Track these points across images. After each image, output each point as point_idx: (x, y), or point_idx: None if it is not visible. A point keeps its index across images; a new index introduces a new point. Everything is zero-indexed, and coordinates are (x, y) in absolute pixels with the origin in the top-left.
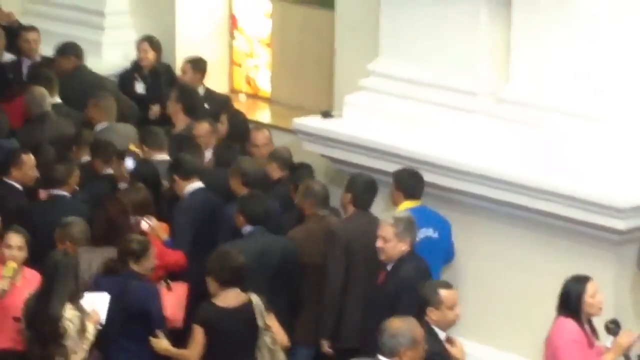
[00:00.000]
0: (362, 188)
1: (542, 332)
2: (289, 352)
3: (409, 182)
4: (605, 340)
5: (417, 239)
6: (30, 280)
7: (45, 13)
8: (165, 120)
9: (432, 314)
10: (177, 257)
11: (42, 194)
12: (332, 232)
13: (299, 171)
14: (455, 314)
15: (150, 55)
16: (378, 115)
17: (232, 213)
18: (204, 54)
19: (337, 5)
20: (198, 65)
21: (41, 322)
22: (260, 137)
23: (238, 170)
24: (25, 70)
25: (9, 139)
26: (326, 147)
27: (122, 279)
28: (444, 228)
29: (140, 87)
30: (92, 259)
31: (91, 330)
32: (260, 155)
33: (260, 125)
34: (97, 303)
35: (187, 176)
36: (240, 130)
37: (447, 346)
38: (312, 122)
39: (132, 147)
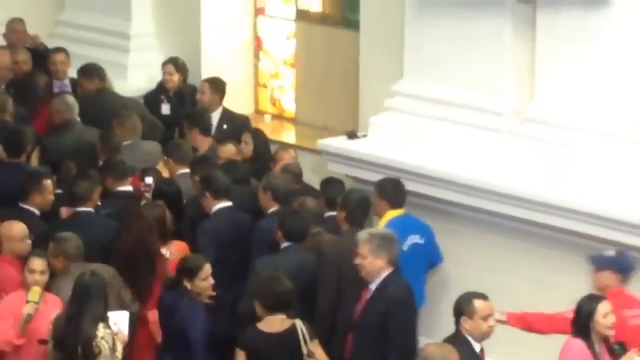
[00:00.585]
0: (356, 205)
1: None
2: None
3: (393, 191)
4: None
5: (406, 247)
6: (51, 305)
7: (71, 36)
8: None
9: (465, 324)
10: None
11: (65, 212)
12: (322, 252)
13: (329, 186)
14: (488, 325)
15: (175, 77)
16: (403, 136)
17: (266, 228)
18: (229, 76)
19: (361, 25)
20: (217, 86)
21: (73, 342)
22: (286, 156)
23: (269, 185)
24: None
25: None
26: (351, 167)
27: (177, 296)
28: (428, 233)
29: (165, 109)
30: None
31: (120, 349)
32: None
33: (285, 146)
34: (120, 321)
35: (218, 195)
36: (261, 150)
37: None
38: (337, 143)
39: (161, 167)
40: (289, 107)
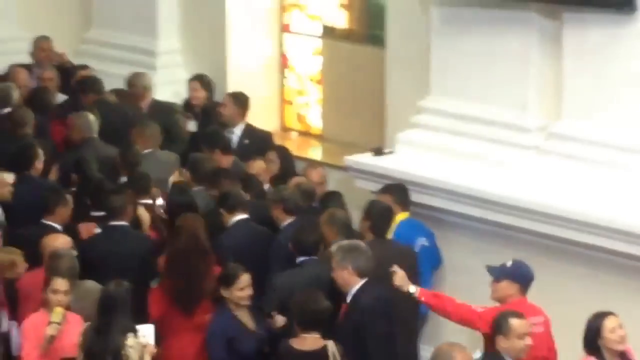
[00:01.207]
0: (380, 215)
1: None
2: None
3: (403, 194)
4: None
5: (417, 249)
6: (73, 324)
7: (98, 53)
8: None
9: (501, 342)
10: None
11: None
12: None
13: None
14: (524, 343)
15: (201, 94)
16: (429, 152)
17: (282, 242)
18: (255, 92)
19: (387, 42)
20: (239, 100)
21: (103, 353)
22: (314, 175)
23: (279, 198)
24: None
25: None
26: (378, 183)
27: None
28: (431, 236)
29: (191, 126)
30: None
31: None
32: None
33: (313, 163)
34: (146, 334)
35: (232, 209)
36: (287, 167)
37: None
38: (364, 159)
39: (176, 177)
40: (316, 123)
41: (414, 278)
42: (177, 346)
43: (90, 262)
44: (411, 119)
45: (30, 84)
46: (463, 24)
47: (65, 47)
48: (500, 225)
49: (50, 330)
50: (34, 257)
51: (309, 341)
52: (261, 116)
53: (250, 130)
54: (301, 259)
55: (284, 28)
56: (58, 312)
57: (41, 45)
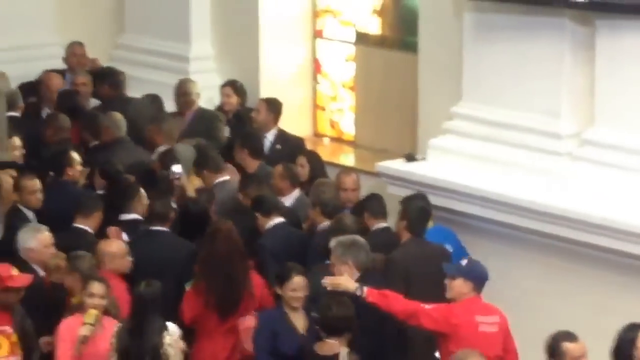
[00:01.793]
0: (416, 214)
1: None
2: None
3: (427, 203)
4: None
5: None
6: (109, 328)
7: (130, 59)
8: None
9: None
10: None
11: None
12: (390, 260)
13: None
14: None
15: (234, 99)
16: (462, 158)
17: (319, 245)
18: (288, 98)
19: (420, 48)
20: (273, 106)
21: (140, 353)
22: (348, 180)
23: (317, 201)
24: None
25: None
26: (410, 190)
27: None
28: (457, 241)
29: (224, 132)
30: None
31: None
32: (347, 198)
33: (347, 169)
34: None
35: (268, 213)
36: (318, 173)
37: None
38: (396, 165)
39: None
40: (348, 129)
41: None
42: (210, 349)
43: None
44: (443, 125)
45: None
46: (496, 30)
47: (99, 52)
48: (531, 232)
49: (84, 331)
50: None
51: (327, 346)
52: (294, 122)
53: (282, 136)
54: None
55: (317, 34)
56: (92, 314)
57: (74, 51)
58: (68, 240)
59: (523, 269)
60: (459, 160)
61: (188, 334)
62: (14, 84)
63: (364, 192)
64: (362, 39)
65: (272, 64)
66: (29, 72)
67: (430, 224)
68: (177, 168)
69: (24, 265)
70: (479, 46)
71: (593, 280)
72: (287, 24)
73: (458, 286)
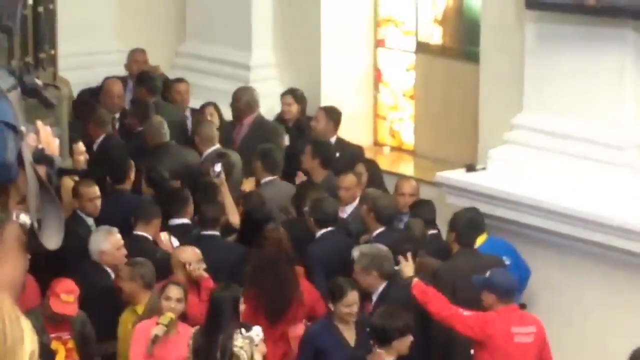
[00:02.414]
0: (466, 226)
1: None
2: None
3: (479, 216)
4: None
5: None
6: (183, 334)
7: (192, 66)
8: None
9: None
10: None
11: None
12: (437, 274)
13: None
14: None
15: (294, 108)
16: (522, 169)
17: None
18: (348, 107)
19: (481, 58)
20: (332, 114)
21: (212, 354)
22: (407, 186)
23: (373, 207)
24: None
25: None
26: (470, 200)
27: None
28: (514, 252)
29: (285, 140)
30: None
31: None
32: (405, 204)
33: (406, 177)
34: (257, 334)
35: (322, 224)
36: (376, 181)
37: None
38: (456, 175)
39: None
40: (408, 139)
41: None
42: None
43: None
44: (504, 136)
45: (123, 95)
46: (558, 41)
47: (161, 59)
48: (592, 243)
49: (156, 330)
50: None
51: (376, 357)
52: (354, 131)
53: (341, 144)
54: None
55: (378, 43)
56: (167, 316)
57: (135, 58)
58: (129, 248)
59: (582, 281)
60: (519, 170)
61: None
62: (75, 91)
63: None
64: (423, 48)
65: (333, 72)
66: (91, 78)
67: (485, 237)
68: (217, 167)
69: (96, 268)
70: (541, 56)
71: None
72: (348, 32)
73: (485, 297)
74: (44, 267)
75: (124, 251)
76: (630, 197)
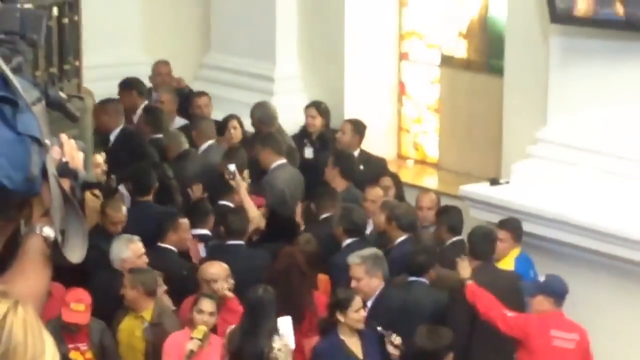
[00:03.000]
0: (480, 239)
1: None
2: None
3: (519, 229)
4: None
5: None
6: (215, 346)
7: (216, 78)
8: None
9: None
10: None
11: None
12: (454, 287)
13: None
14: None
15: (318, 120)
16: (546, 183)
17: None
18: (372, 120)
19: (505, 71)
20: (358, 127)
21: (251, 355)
22: (426, 199)
23: (392, 216)
24: None
25: None
26: (493, 214)
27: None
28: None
29: (308, 152)
30: None
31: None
32: (424, 217)
33: (427, 189)
34: (285, 328)
35: (350, 233)
36: (396, 193)
37: None
38: (479, 189)
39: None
40: (432, 152)
41: (516, 302)
42: None
43: None
44: (527, 150)
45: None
46: (583, 55)
47: (185, 71)
48: (616, 258)
49: (191, 345)
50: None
51: None
52: (377, 143)
53: (365, 157)
54: (412, 278)
55: (403, 56)
56: (200, 330)
57: (159, 70)
58: (153, 260)
59: (606, 295)
60: (543, 185)
61: None
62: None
63: None
64: (447, 61)
65: (357, 85)
66: (116, 90)
67: (517, 252)
68: (232, 167)
69: (117, 276)
70: (565, 70)
71: None
72: (372, 45)
73: (538, 303)
74: (66, 278)
75: (145, 259)
76: None
